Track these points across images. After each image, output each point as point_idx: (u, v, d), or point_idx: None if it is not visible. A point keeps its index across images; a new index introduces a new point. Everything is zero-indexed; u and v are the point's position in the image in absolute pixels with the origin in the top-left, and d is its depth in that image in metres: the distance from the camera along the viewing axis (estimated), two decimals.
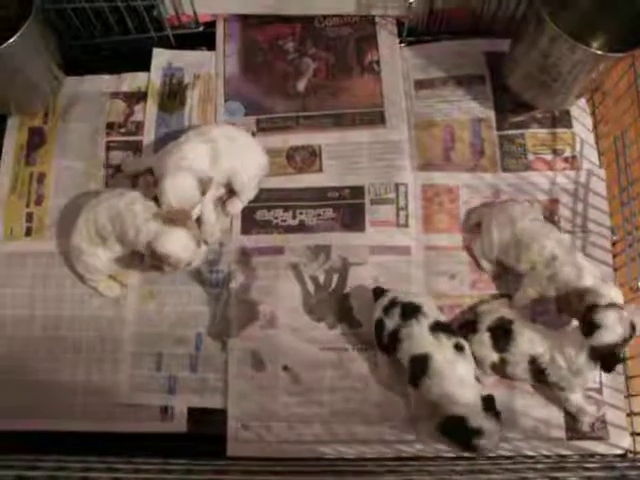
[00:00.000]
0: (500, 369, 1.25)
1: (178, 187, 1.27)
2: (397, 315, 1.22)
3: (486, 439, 1.13)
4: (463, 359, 1.19)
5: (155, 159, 1.40)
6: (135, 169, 1.46)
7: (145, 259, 1.28)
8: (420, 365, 1.17)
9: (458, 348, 1.19)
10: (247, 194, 1.43)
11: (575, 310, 1.20)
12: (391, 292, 1.26)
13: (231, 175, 1.38)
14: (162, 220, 1.23)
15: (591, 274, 1.22)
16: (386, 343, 1.24)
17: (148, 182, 1.34)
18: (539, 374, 1.21)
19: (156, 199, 1.30)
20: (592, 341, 1.13)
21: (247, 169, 1.39)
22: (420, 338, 1.19)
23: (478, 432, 1.13)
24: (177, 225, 1.22)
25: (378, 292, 1.28)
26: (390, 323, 1.22)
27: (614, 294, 1.19)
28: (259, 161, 1.42)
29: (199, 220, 1.37)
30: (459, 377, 1.16)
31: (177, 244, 1.22)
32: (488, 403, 1.17)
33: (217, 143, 1.35)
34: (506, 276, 1.37)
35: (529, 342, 1.21)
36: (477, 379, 1.21)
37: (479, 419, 1.14)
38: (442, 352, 1.17)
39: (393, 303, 1.24)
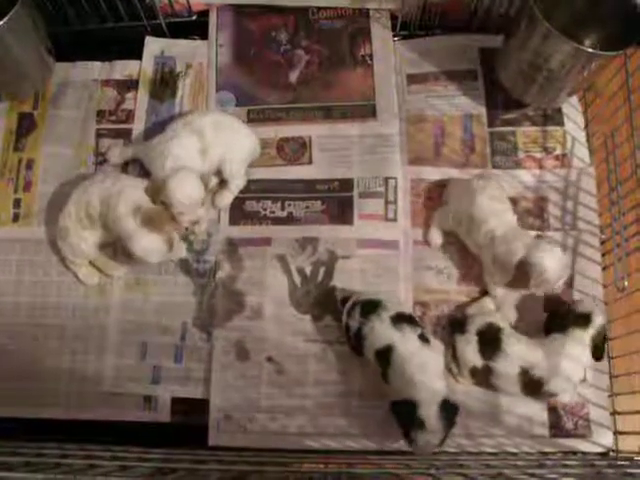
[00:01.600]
0: (481, 377, 1.24)
1: (186, 186, 1.27)
2: (357, 314, 1.22)
3: (426, 436, 1.10)
4: (429, 350, 1.18)
5: (143, 148, 1.41)
6: (122, 158, 1.46)
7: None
8: (384, 357, 1.17)
9: (423, 339, 1.18)
10: (237, 182, 1.42)
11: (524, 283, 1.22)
12: (353, 296, 1.27)
13: (221, 163, 1.38)
14: (140, 219, 1.24)
15: (523, 247, 1.21)
16: (354, 345, 1.24)
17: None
18: (532, 384, 1.20)
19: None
20: (592, 329, 1.17)
21: (236, 154, 1.38)
22: (382, 331, 1.18)
23: (421, 425, 1.10)
24: (152, 228, 1.23)
25: (343, 299, 1.29)
26: (353, 323, 1.22)
27: (548, 261, 1.19)
28: (248, 144, 1.41)
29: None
30: (422, 367, 1.15)
31: (146, 248, 1.24)
32: (449, 408, 1.13)
33: (204, 133, 1.35)
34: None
35: (519, 353, 1.20)
36: (451, 372, 1.24)
37: (428, 413, 1.11)
38: (406, 343, 1.17)
39: (354, 304, 1.24)
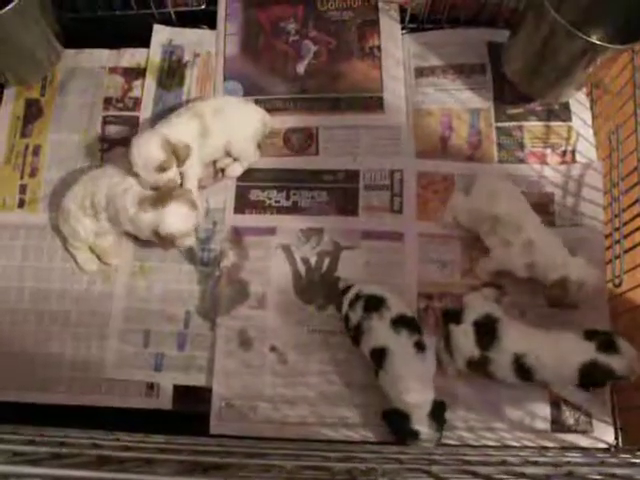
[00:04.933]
0: (479, 367, 1.23)
1: (142, 145, 1.28)
2: (360, 308, 1.22)
3: (422, 443, 1.14)
4: (421, 358, 1.18)
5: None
6: None
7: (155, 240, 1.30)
8: (378, 357, 1.18)
9: (419, 347, 1.18)
10: (248, 159, 1.43)
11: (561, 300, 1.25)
12: (356, 285, 1.27)
13: (227, 147, 1.39)
14: (150, 205, 1.24)
15: (569, 263, 1.24)
16: (353, 336, 1.25)
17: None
18: (523, 372, 1.19)
19: None
20: (600, 357, 1.14)
21: (240, 136, 1.39)
22: (380, 331, 1.19)
23: (415, 435, 1.13)
24: (166, 201, 1.23)
25: (344, 289, 1.29)
26: (354, 316, 1.23)
27: (590, 274, 1.23)
28: (252, 124, 1.41)
29: None
30: (413, 376, 1.16)
31: (177, 220, 1.24)
32: (437, 409, 1.16)
33: (204, 118, 1.36)
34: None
35: (514, 341, 1.20)
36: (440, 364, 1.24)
37: (421, 423, 1.14)
38: (401, 348, 1.17)
39: (357, 296, 1.24)
